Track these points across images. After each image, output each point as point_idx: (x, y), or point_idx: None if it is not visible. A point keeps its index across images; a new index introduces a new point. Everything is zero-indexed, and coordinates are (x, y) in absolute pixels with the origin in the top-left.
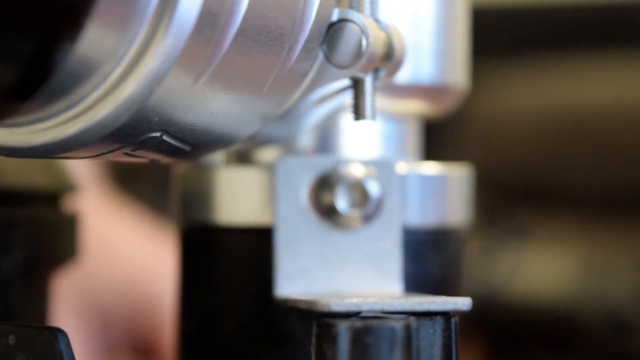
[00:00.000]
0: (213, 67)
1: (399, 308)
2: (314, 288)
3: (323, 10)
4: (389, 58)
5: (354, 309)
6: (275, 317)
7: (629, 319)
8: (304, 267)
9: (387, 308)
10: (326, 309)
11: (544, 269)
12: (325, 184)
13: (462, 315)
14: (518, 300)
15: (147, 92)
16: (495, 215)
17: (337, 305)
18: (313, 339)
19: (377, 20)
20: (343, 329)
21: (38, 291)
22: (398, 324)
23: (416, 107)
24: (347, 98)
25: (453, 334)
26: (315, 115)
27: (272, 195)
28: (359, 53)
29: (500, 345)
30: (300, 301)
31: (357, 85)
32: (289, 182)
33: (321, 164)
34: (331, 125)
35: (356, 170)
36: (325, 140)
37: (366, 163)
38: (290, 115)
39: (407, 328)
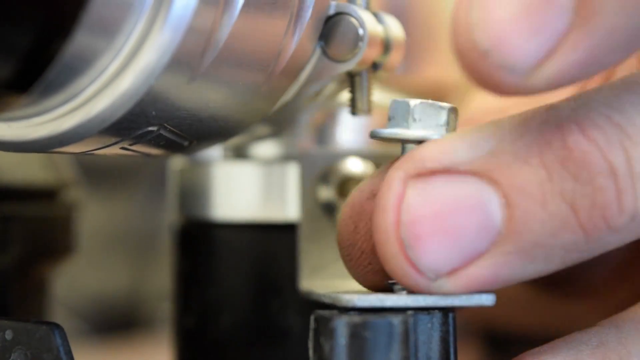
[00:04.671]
0: (210, 61)
1: (422, 304)
2: (336, 282)
3: (320, 4)
4: (387, 51)
5: (378, 304)
6: (273, 312)
7: None
8: (327, 260)
9: (411, 304)
10: (350, 305)
11: None
12: (347, 177)
13: (460, 312)
14: None
15: (144, 86)
16: None
17: (361, 301)
18: (310, 334)
19: (375, 14)
20: (341, 323)
21: (35, 286)
22: (396, 319)
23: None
24: (345, 92)
25: (451, 329)
26: (313, 110)
27: (298, 189)
28: (355, 46)
29: (498, 342)
30: (323, 295)
31: (354, 80)
32: (312, 173)
33: (337, 159)
34: (329, 119)
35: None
36: (324, 134)
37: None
38: (287, 110)
39: (405, 323)
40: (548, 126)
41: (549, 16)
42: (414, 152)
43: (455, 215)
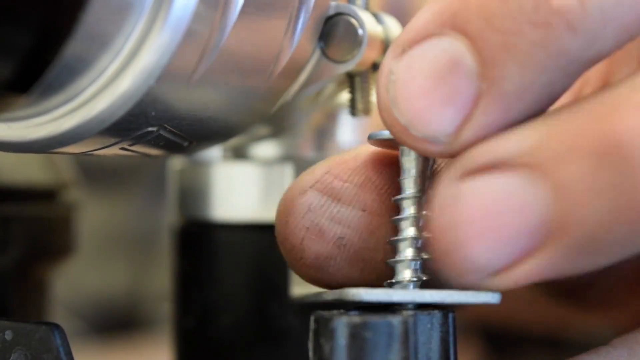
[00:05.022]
0: (210, 62)
1: (429, 299)
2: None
3: (320, 5)
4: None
5: (386, 299)
6: (272, 312)
7: None
8: None
9: (418, 299)
10: (357, 299)
11: None
12: None
13: (459, 312)
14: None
15: (144, 86)
16: None
17: (368, 295)
18: (310, 334)
19: (374, 14)
20: (341, 323)
21: (35, 287)
22: (395, 319)
23: None
24: (344, 93)
25: (451, 329)
26: (313, 111)
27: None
28: (355, 47)
29: (497, 342)
30: (326, 293)
31: (353, 80)
32: None
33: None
34: (328, 120)
35: None
36: (322, 135)
37: None
38: (287, 110)
39: (405, 323)
40: (596, 114)
41: (457, 85)
42: (466, 150)
43: (506, 213)
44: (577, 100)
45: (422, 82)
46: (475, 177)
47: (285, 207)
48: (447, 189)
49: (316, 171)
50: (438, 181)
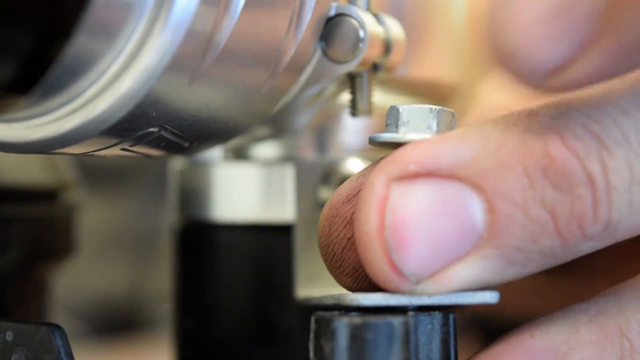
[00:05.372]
0: (211, 63)
1: (427, 302)
2: (332, 290)
3: (321, 6)
4: (387, 53)
5: (383, 302)
6: (273, 313)
7: None
8: (324, 268)
9: (415, 302)
10: (354, 303)
11: None
12: (341, 180)
13: (460, 312)
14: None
15: (145, 87)
16: None
17: (366, 299)
18: (311, 335)
19: (375, 15)
20: (341, 324)
21: (35, 287)
22: (396, 320)
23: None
24: (345, 94)
25: (452, 330)
26: (314, 111)
27: (294, 194)
28: (356, 47)
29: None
30: (325, 297)
31: (354, 81)
32: (308, 179)
33: (337, 160)
34: (328, 121)
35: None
36: (323, 136)
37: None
38: (288, 111)
39: (406, 324)
40: (530, 134)
41: (577, 21)
42: (396, 154)
43: (438, 219)
44: (506, 118)
45: (539, 12)
46: (407, 183)
47: (330, 214)
48: (376, 192)
49: (361, 178)
50: (365, 184)
